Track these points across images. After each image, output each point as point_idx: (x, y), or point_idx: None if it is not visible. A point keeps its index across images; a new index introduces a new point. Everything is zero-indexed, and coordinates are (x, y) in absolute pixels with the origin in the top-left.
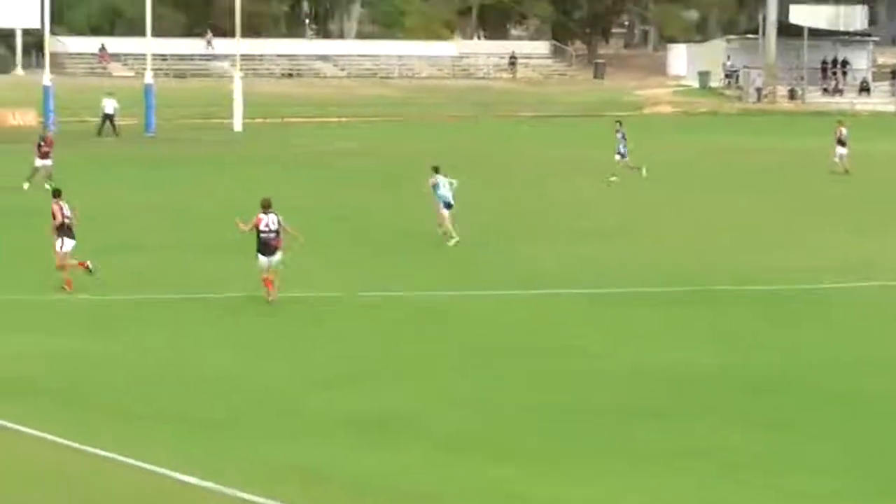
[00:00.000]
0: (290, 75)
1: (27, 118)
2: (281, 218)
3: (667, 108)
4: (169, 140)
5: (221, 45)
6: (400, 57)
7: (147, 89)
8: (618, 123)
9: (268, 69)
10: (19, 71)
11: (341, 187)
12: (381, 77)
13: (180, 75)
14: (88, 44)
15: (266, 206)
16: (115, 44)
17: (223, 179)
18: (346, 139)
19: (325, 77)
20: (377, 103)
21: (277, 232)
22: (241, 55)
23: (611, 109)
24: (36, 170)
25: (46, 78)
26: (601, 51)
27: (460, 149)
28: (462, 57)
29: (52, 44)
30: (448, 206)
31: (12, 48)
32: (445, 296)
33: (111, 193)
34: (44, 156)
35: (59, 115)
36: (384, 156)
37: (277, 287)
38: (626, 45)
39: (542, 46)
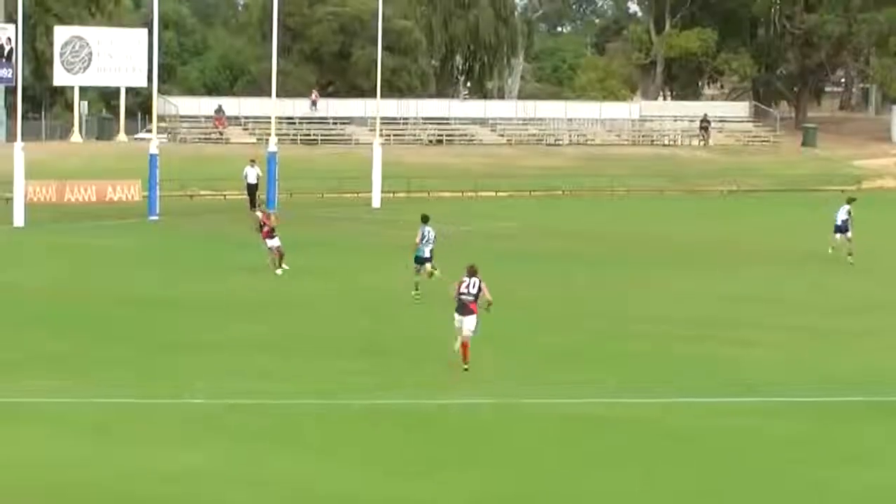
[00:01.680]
0: (440, 142)
1: (130, 191)
2: (484, 284)
3: (892, 182)
4: (292, 218)
5: (358, 106)
6: (570, 120)
7: (269, 158)
8: (850, 201)
9: (413, 135)
10: (122, 137)
11: (498, 277)
12: (548, 144)
13: (310, 142)
14: (203, 105)
15: (472, 273)
16: (234, 105)
17: (350, 266)
18: (504, 218)
19: (480, 144)
20: (542, 175)
21: (476, 296)
22: (382, 119)
23: (824, 183)
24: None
25: (154, 145)
26: (811, 113)
27: (645, 229)
28: (644, 120)
29: (161, 105)
30: (421, 261)
31: (115, 110)
32: (634, 403)
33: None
34: (269, 235)
35: (163, 187)
36: (549, 238)
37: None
38: (842, 107)
39: (741, 108)
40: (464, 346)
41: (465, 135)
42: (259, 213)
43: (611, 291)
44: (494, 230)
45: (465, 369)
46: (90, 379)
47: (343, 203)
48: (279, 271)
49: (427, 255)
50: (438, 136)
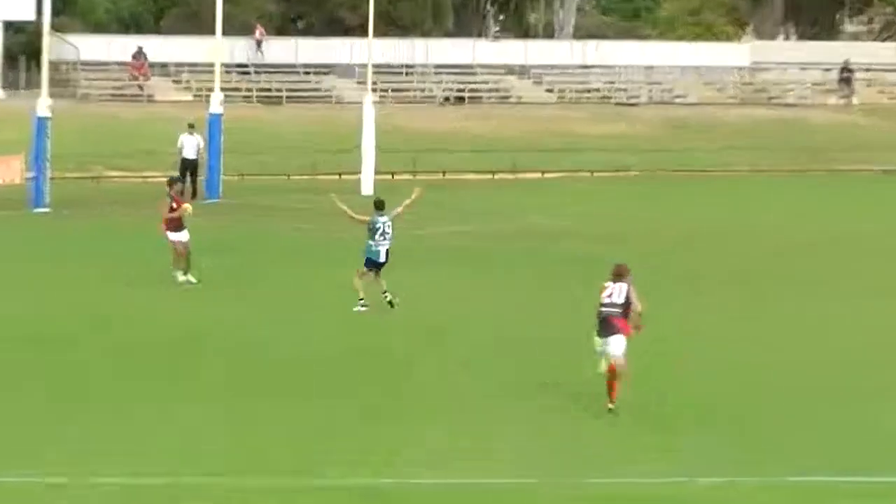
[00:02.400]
0: (460, 100)
1: (7, 172)
2: (634, 291)
3: None
4: (243, 212)
5: (342, 49)
6: (650, 69)
7: (211, 122)
8: None
9: (420, 90)
10: None
11: (544, 301)
12: (618, 103)
13: (271, 100)
14: (115, 47)
15: (619, 274)
16: (161, 47)
17: (309, 280)
18: (552, 210)
19: (519, 103)
20: (609, 147)
21: (624, 308)
22: (377, 67)
23: None
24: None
25: (43, 105)
26: None
27: (767, 229)
28: (758, 69)
29: (55, 47)
30: (376, 264)
31: None
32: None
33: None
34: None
35: (56, 166)
36: (619, 241)
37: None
38: None
39: None
40: (611, 371)
41: (497, 89)
42: (171, 193)
43: (733, 328)
44: (537, 228)
45: (610, 409)
46: None
47: (318, 188)
48: (182, 278)
49: (383, 258)
50: (458, 91)
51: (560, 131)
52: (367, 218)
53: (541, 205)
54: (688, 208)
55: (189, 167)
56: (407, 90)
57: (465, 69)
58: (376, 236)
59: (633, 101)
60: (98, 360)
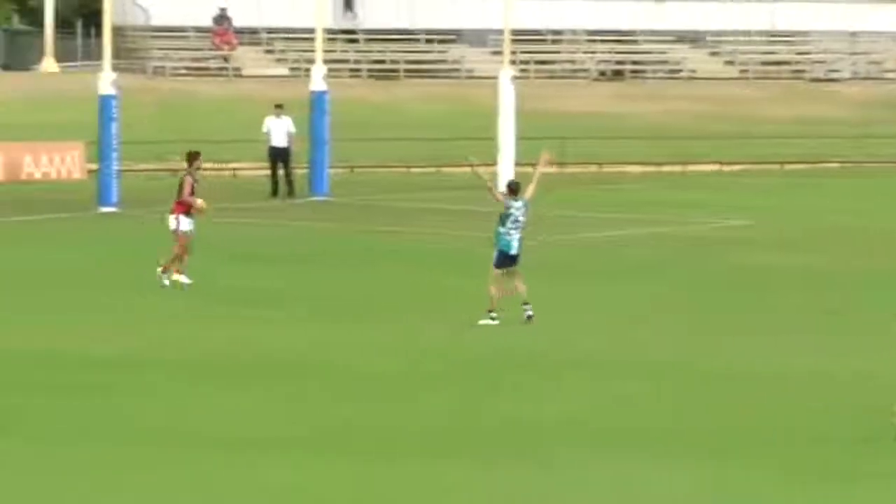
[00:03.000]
0: (618, 74)
1: (66, 163)
2: None
3: None
4: (355, 213)
5: (473, 12)
6: (855, 36)
7: (315, 102)
8: None
9: (570, 62)
10: (50, 65)
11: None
12: (814, 79)
13: (386, 74)
14: (193, 10)
15: None
16: (250, 10)
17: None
18: (731, 209)
19: (691, 78)
20: (803, 133)
21: None
22: (516, 33)
23: None
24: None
25: (107, 80)
26: None
27: None
28: None
29: (120, 10)
30: (508, 257)
31: (37, 18)
32: None
33: None
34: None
35: (125, 155)
36: (821, 252)
37: None
38: None
39: None
40: None
41: (665, 62)
42: (189, 178)
43: None
44: (713, 232)
45: None
46: None
47: (443, 184)
48: (166, 278)
49: (515, 249)
50: (616, 64)
51: (741, 114)
52: (503, 199)
53: (717, 203)
54: None
55: (279, 157)
56: (553, 62)
57: (625, 37)
58: (508, 223)
59: (833, 76)
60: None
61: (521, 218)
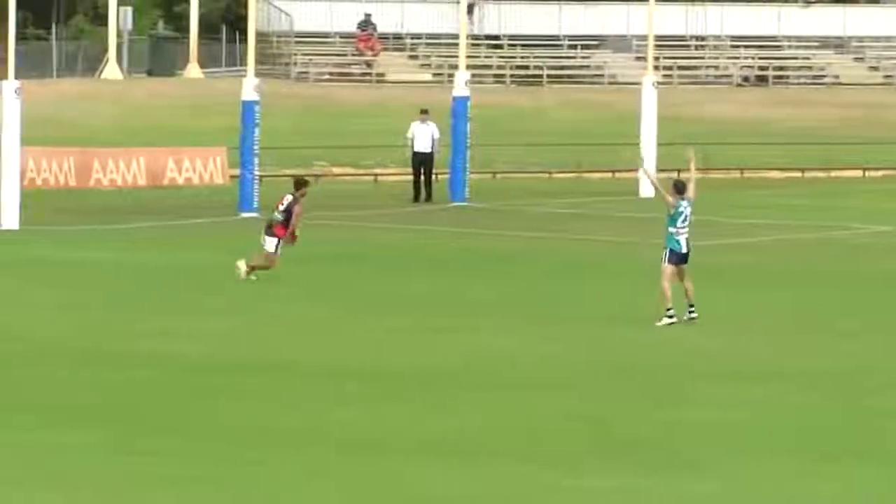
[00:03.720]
0: (761, 79)
1: (209, 168)
2: None
3: None
4: (494, 219)
5: (617, 17)
6: None
7: (456, 107)
8: None
9: (714, 67)
10: (194, 71)
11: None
12: None
13: (529, 80)
14: (338, 15)
15: None
16: (396, 15)
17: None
18: (877, 216)
19: (835, 84)
20: None
21: None
22: (659, 39)
23: None
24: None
25: (250, 86)
26: None
27: None
28: None
29: (264, 16)
30: (680, 256)
31: (182, 24)
32: None
33: None
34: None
35: (266, 159)
36: None
37: None
38: None
39: None
40: None
41: (809, 67)
42: (298, 207)
43: None
44: (853, 239)
45: None
46: None
47: (585, 190)
48: (252, 276)
49: (685, 248)
50: (760, 69)
51: (887, 119)
52: (672, 199)
53: (862, 210)
54: None
55: (423, 162)
56: (697, 67)
57: (769, 41)
58: (678, 223)
59: None
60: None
61: (689, 217)
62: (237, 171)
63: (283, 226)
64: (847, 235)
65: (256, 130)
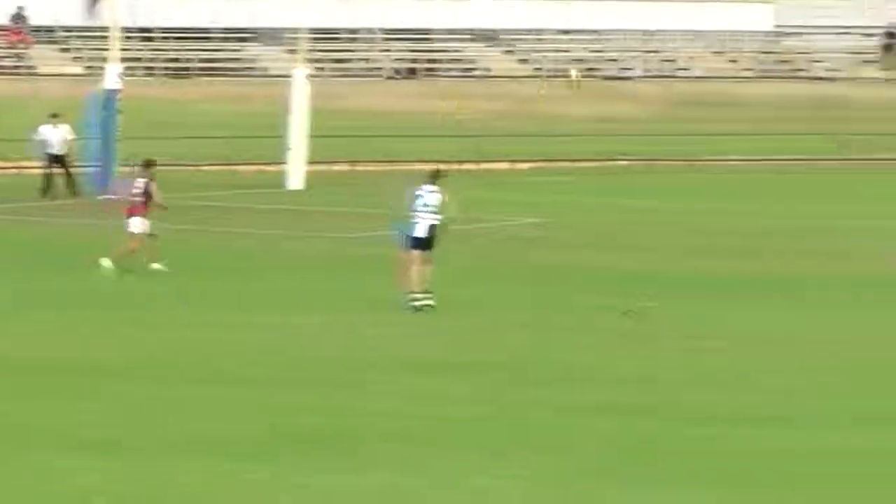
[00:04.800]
0: (412, 72)
1: None
2: None
3: None
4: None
5: (270, 10)
6: (648, 35)
7: (107, 100)
8: None
9: (366, 61)
10: None
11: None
12: (608, 77)
13: (178, 73)
14: None
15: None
16: (45, 8)
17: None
18: (521, 207)
19: (486, 77)
20: (596, 131)
21: None
22: (314, 31)
23: None
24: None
25: None
26: None
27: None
28: (783, 33)
29: None
30: (419, 244)
31: None
32: None
33: None
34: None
35: None
36: (612, 249)
37: None
38: None
39: None
40: None
41: (460, 60)
42: (142, 180)
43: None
44: (502, 230)
45: None
46: None
47: (236, 183)
48: (157, 265)
49: (425, 233)
50: (411, 62)
51: (535, 112)
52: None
53: (503, 200)
54: (696, 203)
55: (57, 161)
56: (349, 60)
57: (421, 35)
58: (420, 207)
59: (626, 74)
60: None
61: (432, 204)
62: None
63: (143, 205)
64: (494, 228)
65: None
